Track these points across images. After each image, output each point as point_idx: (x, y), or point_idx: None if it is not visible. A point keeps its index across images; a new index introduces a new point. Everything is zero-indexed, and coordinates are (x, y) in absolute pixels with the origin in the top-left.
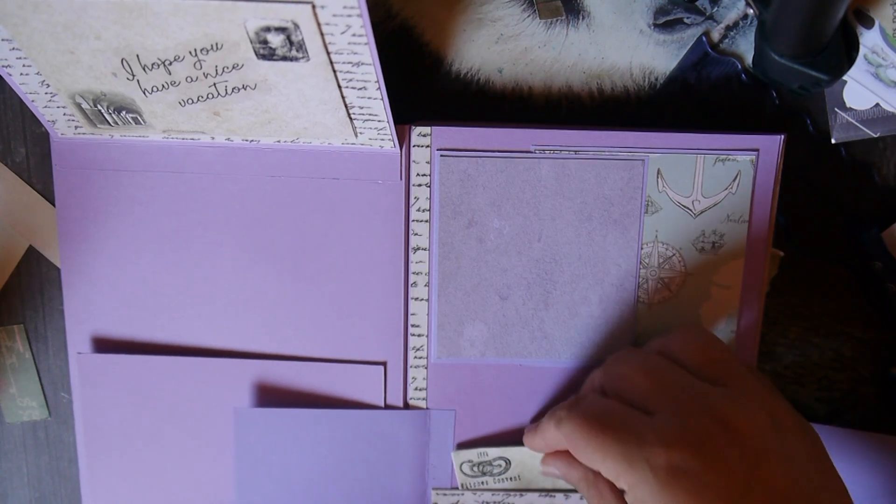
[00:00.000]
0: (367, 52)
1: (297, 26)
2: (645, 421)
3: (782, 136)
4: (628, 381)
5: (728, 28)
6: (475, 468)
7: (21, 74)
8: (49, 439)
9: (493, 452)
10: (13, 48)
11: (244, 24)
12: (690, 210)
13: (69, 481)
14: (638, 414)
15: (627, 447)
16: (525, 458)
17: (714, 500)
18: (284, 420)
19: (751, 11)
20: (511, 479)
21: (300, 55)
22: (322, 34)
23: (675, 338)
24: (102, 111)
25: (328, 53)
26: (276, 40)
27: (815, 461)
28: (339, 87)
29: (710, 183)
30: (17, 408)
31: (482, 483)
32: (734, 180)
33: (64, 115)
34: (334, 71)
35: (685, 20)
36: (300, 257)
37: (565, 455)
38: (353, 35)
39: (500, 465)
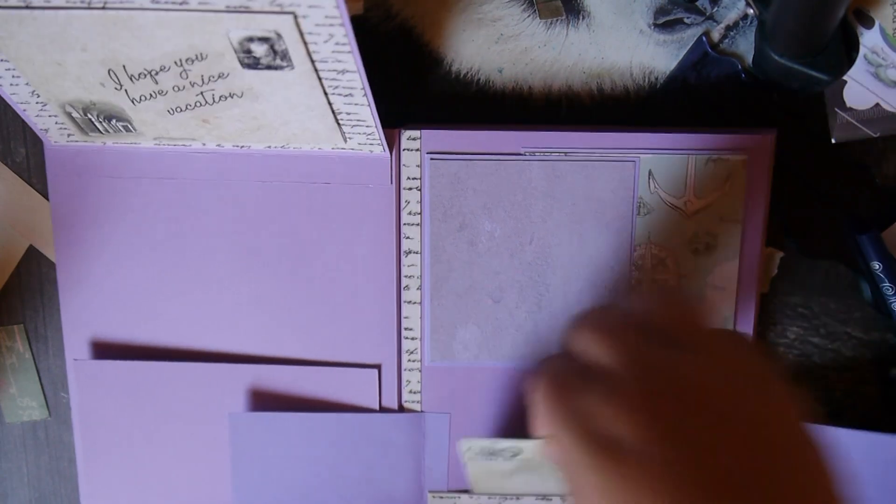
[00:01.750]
0: (352, 60)
1: (279, 36)
2: (599, 382)
3: (773, 135)
4: (589, 340)
5: (728, 28)
6: (484, 451)
7: (11, 85)
8: (49, 439)
9: (503, 443)
10: (1, 60)
11: (227, 34)
12: (683, 211)
13: (69, 481)
14: (593, 373)
15: (567, 405)
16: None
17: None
18: (279, 424)
19: (751, 11)
20: (523, 461)
21: (285, 64)
22: (305, 43)
23: (644, 299)
24: (93, 120)
25: (312, 62)
26: (259, 50)
27: (788, 430)
28: (326, 94)
29: (702, 183)
30: (17, 408)
31: (490, 462)
32: (726, 180)
33: (56, 123)
34: (319, 79)
35: (685, 20)
36: (292, 262)
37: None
38: (337, 44)
39: (511, 451)
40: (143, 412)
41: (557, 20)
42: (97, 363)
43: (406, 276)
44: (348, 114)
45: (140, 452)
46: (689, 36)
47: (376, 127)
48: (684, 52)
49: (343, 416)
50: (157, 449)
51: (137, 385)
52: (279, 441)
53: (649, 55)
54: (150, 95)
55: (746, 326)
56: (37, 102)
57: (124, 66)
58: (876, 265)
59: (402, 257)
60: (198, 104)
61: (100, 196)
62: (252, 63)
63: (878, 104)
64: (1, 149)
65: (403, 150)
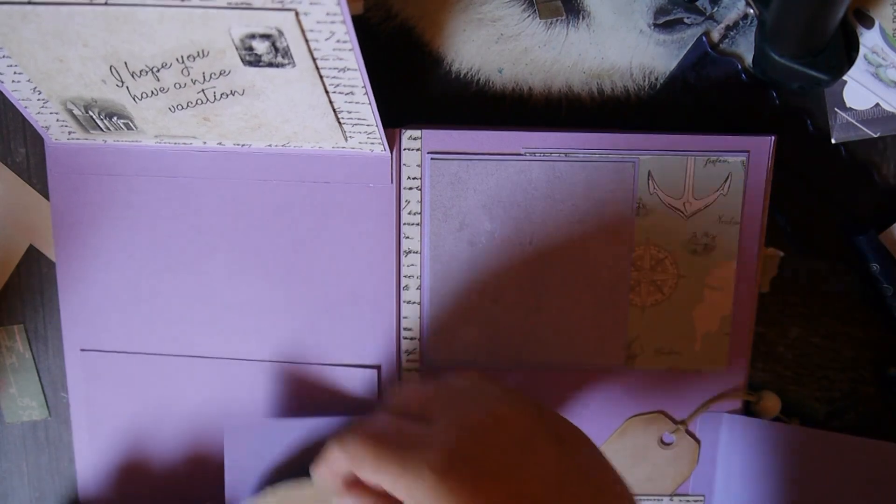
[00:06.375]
0: (353, 58)
1: (281, 33)
2: (423, 428)
3: (773, 138)
4: (403, 398)
5: (728, 28)
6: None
7: (13, 82)
8: (49, 439)
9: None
10: (3, 56)
11: (229, 31)
12: (682, 212)
13: (69, 481)
14: (417, 424)
15: (405, 452)
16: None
17: (490, 482)
18: (275, 432)
19: (751, 11)
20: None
21: (286, 61)
22: (307, 40)
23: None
24: (94, 117)
25: (314, 59)
26: (261, 47)
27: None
28: (327, 92)
29: (701, 184)
30: (17, 408)
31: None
32: (725, 182)
33: (57, 120)
34: (321, 76)
35: (685, 20)
36: (292, 261)
37: (356, 487)
38: (338, 41)
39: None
40: (141, 405)
41: (557, 20)
42: (99, 354)
43: (406, 276)
44: (349, 112)
45: (138, 445)
46: (689, 36)
47: (377, 126)
48: (684, 52)
49: (337, 420)
50: (155, 442)
51: (138, 378)
52: (274, 449)
53: (649, 55)
54: (152, 93)
55: (743, 327)
56: (38, 99)
57: (126, 63)
58: (874, 266)
59: (402, 257)
60: (199, 102)
61: (100, 194)
62: (254, 60)
63: (878, 104)
64: (1, 149)
65: (404, 149)
